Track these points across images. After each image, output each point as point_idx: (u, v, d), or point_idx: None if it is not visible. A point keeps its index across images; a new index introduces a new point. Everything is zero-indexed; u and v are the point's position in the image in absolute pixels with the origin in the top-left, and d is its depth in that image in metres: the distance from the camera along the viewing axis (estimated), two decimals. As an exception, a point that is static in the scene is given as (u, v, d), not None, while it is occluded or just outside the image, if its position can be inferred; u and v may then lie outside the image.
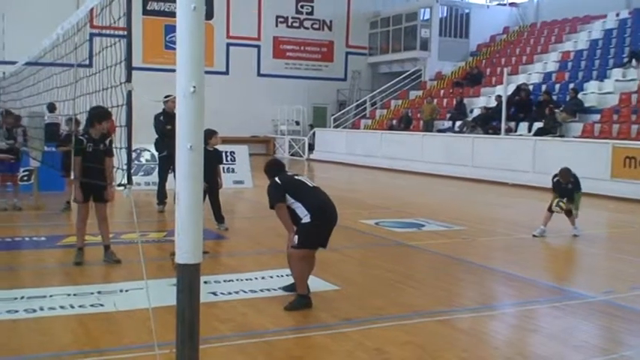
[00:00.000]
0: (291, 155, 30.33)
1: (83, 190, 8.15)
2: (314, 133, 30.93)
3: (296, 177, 6.88)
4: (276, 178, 6.67)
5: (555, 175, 10.98)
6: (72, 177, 8.10)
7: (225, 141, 13.45)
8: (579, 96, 21.57)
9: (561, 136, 19.98)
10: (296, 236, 6.46)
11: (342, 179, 20.73)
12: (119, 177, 9.48)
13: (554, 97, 22.44)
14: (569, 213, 10.90)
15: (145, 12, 29.77)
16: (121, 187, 5.10)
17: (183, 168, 3.73)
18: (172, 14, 29.17)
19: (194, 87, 3.73)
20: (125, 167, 5.43)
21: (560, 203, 10.71)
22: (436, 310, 6.60)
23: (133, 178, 10.73)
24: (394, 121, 28.29)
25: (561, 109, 21.14)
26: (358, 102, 33.20)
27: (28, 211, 12.50)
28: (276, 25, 33.67)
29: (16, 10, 26.61)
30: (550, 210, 10.84)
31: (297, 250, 6.48)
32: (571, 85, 22.73)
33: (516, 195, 17.15)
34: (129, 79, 5.18)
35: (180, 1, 3.82)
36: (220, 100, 26.73)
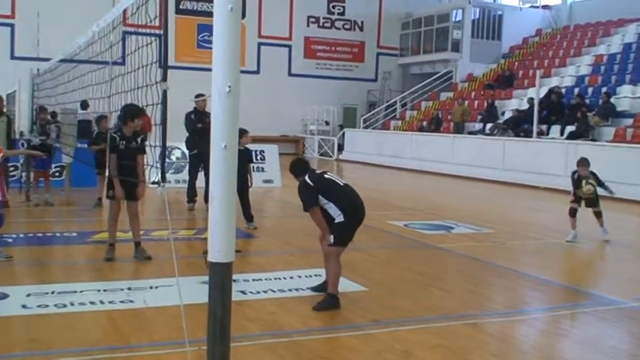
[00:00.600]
0: (321, 155, 30.34)
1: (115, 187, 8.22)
2: (343, 134, 30.90)
3: (325, 175, 6.86)
4: (307, 178, 6.65)
5: (575, 171, 10.79)
6: (106, 174, 8.19)
7: (255, 140, 13.50)
8: (612, 100, 21.26)
9: (593, 140, 19.73)
10: (331, 236, 6.48)
11: (371, 180, 20.66)
12: (152, 175, 9.60)
13: (587, 101, 22.16)
14: (598, 214, 10.74)
15: (178, 11, 29.99)
16: (155, 185, 5.14)
17: (217, 167, 3.75)
18: (205, 13, 29.41)
19: (229, 87, 3.75)
20: (158, 165, 5.47)
21: (590, 181, 10.48)
22: (465, 314, 6.56)
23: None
24: (424, 123, 28.15)
25: (594, 112, 20.87)
26: (388, 103, 33.10)
27: (60, 207, 12.66)
28: (308, 25, 33.70)
29: (51, 7, 26.95)
30: (572, 214, 10.64)
31: (334, 248, 6.52)
32: (604, 89, 22.41)
33: (548, 199, 16.96)
34: (164, 79, 5.23)
35: (217, 2, 3.84)
36: (251, 99, 26.79)
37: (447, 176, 21.89)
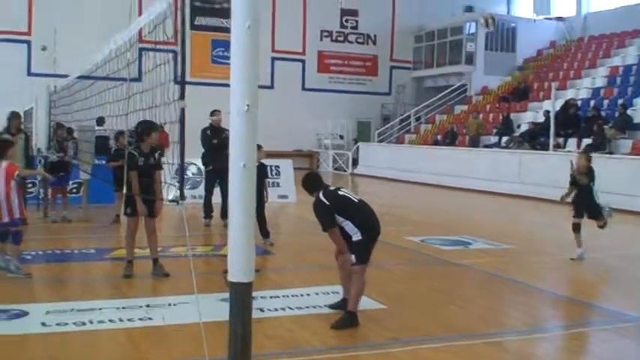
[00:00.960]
0: (335, 169, 30.32)
1: (133, 203, 8.24)
2: (358, 148, 30.89)
3: (340, 192, 6.81)
4: (322, 196, 6.61)
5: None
6: (124, 191, 8.21)
7: (269, 155, 13.50)
8: (628, 112, 21.13)
9: (610, 152, 19.60)
10: (352, 255, 6.46)
11: (386, 194, 20.62)
12: (170, 192, 9.61)
13: (603, 113, 22.04)
14: (602, 228, 10.37)
15: (193, 27, 30.12)
16: (174, 203, 5.15)
17: (236, 186, 3.75)
18: (220, 29, 29.56)
19: (248, 105, 3.76)
20: (174, 182, 5.49)
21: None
22: (485, 332, 6.50)
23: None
24: (439, 136, 28.11)
25: (610, 125, 20.76)
26: (402, 116, 33.04)
27: (78, 224, 12.71)
28: (321, 40, 33.83)
29: (67, 24, 27.22)
30: (576, 230, 10.19)
31: (359, 266, 6.49)
32: (620, 101, 22.29)
33: (566, 213, 16.80)
34: (182, 97, 5.25)
35: (235, 20, 3.85)
36: (265, 114, 26.55)
37: (463, 190, 21.78)
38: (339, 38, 34.16)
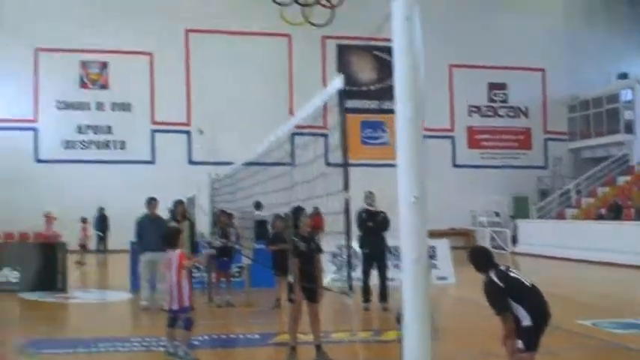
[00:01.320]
0: (493, 248, 29.30)
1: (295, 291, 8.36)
2: (516, 225, 29.83)
3: (511, 274, 6.51)
4: (494, 277, 6.33)
5: None
6: (289, 278, 8.35)
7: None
8: None
9: None
10: (519, 341, 6.14)
11: (551, 274, 19.58)
12: (334, 282, 9.62)
13: None
14: None
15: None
16: (344, 294, 5.17)
17: (410, 282, 3.68)
18: (368, 111, 30.12)
19: (415, 197, 3.72)
20: (333, 272, 5.54)
21: None
22: None
23: (337, 275, 10.85)
24: (603, 210, 26.66)
25: None
26: (562, 190, 31.73)
27: (241, 308, 12.99)
28: (469, 115, 33.67)
29: (226, 115, 28.89)
30: None
31: (527, 354, 6.16)
32: None
33: None
34: (346, 188, 5.31)
35: (399, 113, 3.89)
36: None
37: (634, 267, 20.29)
38: (488, 113, 33.89)
